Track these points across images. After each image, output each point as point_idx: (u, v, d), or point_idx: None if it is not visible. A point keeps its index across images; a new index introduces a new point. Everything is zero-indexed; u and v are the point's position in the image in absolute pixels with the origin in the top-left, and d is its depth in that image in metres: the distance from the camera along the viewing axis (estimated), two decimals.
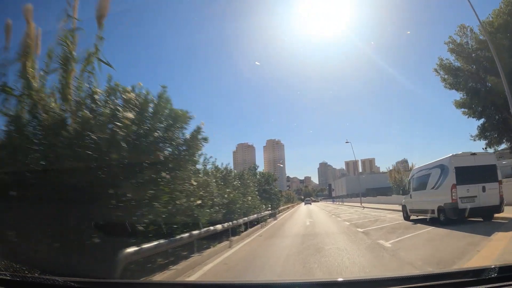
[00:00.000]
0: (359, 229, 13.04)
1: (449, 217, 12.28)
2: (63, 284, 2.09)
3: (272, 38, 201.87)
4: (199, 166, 10.98)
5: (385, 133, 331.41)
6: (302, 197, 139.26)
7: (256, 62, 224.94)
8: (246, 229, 14.02)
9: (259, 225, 16.54)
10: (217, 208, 9.55)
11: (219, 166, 13.63)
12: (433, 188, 13.40)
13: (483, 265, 2.05)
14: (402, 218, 16.85)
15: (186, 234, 7.55)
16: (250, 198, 13.56)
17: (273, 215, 24.21)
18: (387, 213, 23.08)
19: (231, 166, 24.67)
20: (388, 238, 9.91)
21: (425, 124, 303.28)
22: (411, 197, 15.69)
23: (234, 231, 12.16)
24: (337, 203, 71.15)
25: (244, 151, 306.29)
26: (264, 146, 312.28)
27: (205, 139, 7.12)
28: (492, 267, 1.84)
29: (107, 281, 3.18)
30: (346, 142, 45.33)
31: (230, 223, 11.43)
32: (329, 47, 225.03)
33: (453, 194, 12.10)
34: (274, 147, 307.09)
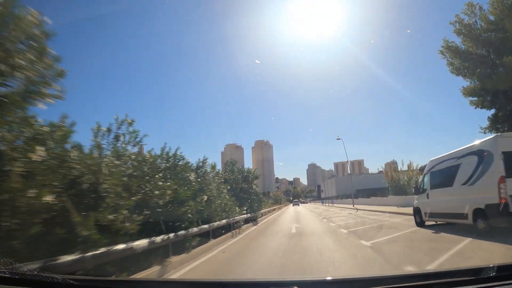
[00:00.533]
0: (364, 242, 9.20)
1: (493, 224, 8.57)
2: (62, 281, 2.05)
3: (263, 40, 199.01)
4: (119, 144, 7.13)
5: (374, 135, 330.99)
6: (291, 198, 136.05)
7: (256, 61, 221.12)
8: (206, 241, 10.07)
9: (229, 234, 12.57)
10: (126, 212, 5.51)
11: (169, 152, 9.61)
12: (465, 183, 9.65)
13: (482, 264, 1.85)
14: (412, 223, 13.18)
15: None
16: (206, 197, 9.49)
17: (253, 220, 20.26)
18: (387, 216, 19.35)
19: (219, 167, 20.77)
20: (420, 262, 6.10)
21: (415, 125, 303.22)
22: (428, 197, 11.93)
23: (181, 246, 8.23)
24: (327, 204, 67.45)
25: (232, 152, 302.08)
26: (252, 147, 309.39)
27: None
28: (491, 266, 1.79)
29: (106, 279, 3.00)
30: (338, 138, 41.65)
31: (171, 235, 7.47)
32: (318, 50, 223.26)
33: (502, 190, 8.36)
34: (263, 148, 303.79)
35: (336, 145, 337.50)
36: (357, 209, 30.88)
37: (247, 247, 10.22)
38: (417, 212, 12.78)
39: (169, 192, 7.21)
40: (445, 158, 11.17)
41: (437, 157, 11.94)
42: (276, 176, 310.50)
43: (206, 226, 10.17)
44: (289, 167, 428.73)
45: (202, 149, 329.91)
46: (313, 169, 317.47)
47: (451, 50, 23.76)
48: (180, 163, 9.73)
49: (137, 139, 8.08)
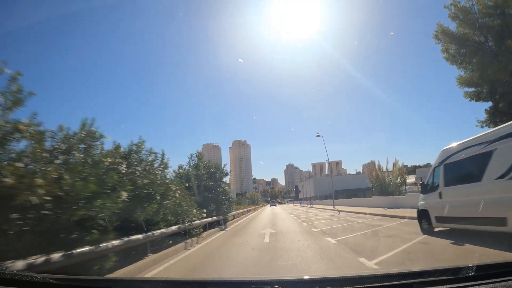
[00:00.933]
0: (365, 260, 6.34)
1: None
2: (42, 280, 2.01)
3: (245, 40, 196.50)
4: None
5: (352, 137, 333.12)
6: (268, 199, 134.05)
7: (240, 59, 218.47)
8: (140, 258, 6.95)
9: (181, 244, 9.42)
10: None
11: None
12: (503, 177, 6.92)
13: (461, 264, 1.85)
14: (413, 229, 10.66)
15: None
16: (125, 194, 6.19)
17: (221, 223, 17.14)
18: (377, 219, 16.70)
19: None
20: None
21: (394, 128, 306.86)
22: (440, 197, 9.21)
23: (87, 270, 5.10)
24: (305, 205, 65.03)
25: (210, 151, 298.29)
26: (230, 147, 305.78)
27: None
28: (470, 265, 1.81)
29: (85, 278, 3.00)
30: (317, 135, 39.05)
31: (55, 256, 4.34)
32: (299, 50, 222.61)
33: None
34: (241, 148, 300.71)
35: (314, 146, 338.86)
36: (339, 211, 28.28)
37: (197, 267, 7.09)
38: (424, 215, 10.06)
39: (39, 181, 4.07)
40: (468, 144, 8.44)
41: (454, 144, 9.21)
42: (254, 177, 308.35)
43: (139, 236, 7.03)
44: (267, 168, 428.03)
45: (180, 150, 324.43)
46: (291, 170, 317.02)
47: (446, 35, 21.44)
48: (98, 143, 6.53)
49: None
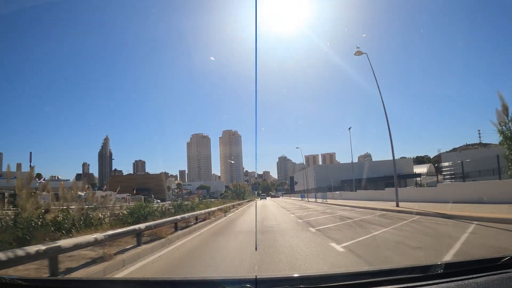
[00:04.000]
0: None
1: None
2: (10, 282, 2.00)
3: (233, 32, 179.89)
4: None
5: (343, 129, 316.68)
6: (260, 191, 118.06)
7: (211, 57, 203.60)
8: None
9: None
10: None
11: None
12: None
13: (430, 262, 1.94)
14: None
15: None
16: None
17: None
18: None
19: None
20: None
21: (384, 123, 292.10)
22: None
23: None
24: (312, 200, 46.43)
25: (199, 142, 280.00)
26: (220, 138, 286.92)
27: None
28: (439, 263, 1.84)
29: (55, 279, 3.14)
30: (357, 50, 21.05)
31: None
32: (289, 43, 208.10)
33: None
34: (231, 138, 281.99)
35: (306, 138, 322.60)
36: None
37: None
38: None
39: None
40: None
41: None
42: (245, 169, 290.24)
43: None
44: (258, 161, 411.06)
45: (168, 142, 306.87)
46: (283, 162, 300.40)
47: None
48: None
49: None
